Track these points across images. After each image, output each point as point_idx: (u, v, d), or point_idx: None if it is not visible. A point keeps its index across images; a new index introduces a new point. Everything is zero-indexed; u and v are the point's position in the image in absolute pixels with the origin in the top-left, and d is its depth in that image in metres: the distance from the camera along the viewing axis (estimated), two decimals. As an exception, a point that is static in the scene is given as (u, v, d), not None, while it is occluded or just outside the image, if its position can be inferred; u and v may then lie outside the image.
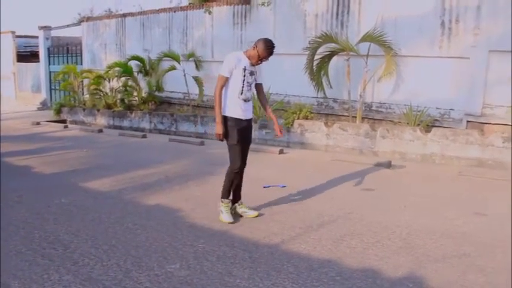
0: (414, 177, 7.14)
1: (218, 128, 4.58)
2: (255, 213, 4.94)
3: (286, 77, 10.49)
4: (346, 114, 9.80)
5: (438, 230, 4.57)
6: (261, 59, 4.59)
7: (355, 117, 9.41)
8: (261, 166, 7.51)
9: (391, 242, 4.23)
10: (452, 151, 7.96)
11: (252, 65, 4.64)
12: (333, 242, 4.20)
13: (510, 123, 7.85)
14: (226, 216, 4.77)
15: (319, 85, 9.82)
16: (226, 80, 4.60)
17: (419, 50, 9.00)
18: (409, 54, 9.10)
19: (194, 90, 12.39)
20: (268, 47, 4.53)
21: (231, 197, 4.86)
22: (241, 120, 4.66)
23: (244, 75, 4.60)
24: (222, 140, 4.69)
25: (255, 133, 10.11)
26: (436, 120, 8.83)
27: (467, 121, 8.44)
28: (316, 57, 9.71)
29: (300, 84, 10.16)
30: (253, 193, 5.69)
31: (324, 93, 9.89)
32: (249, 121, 4.78)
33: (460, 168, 7.52)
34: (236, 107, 4.63)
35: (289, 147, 9.68)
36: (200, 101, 12.33)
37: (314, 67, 9.73)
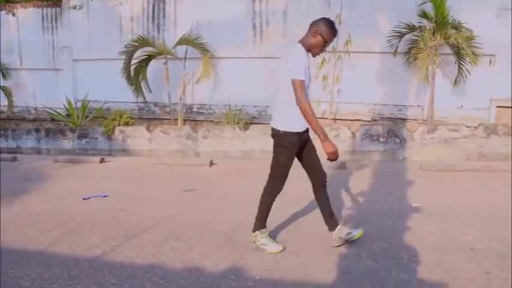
0: (235, 173, 7.48)
1: (330, 145, 3.56)
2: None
3: (104, 83, 10.29)
4: (168, 117, 9.95)
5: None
6: (326, 46, 3.74)
7: (177, 119, 9.61)
8: (80, 177, 7.19)
9: (214, 238, 4.31)
10: (270, 146, 8.42)
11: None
12: (156, 246, 4.15)
13: (320, 116, 8.77)
14: (274, 246, 3.94)
15: (138, 90, 9.83)
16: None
17: (234, 52, 9.56)
18: (225, 55, 9.62)
19: (3, 101, 11.48)
20: (333, 26, 3.68)
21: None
22: (303, 133, 3.79)
23: (310, 76, 3.78)
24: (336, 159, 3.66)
25: (74, 143, 9.73)
26: (255, 117, 9.45)
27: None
28: (133, 61, 9.72)
29: (119, 90, 10.05)
30: (73, 207, 5.44)
31: (144, 98, 9.94)
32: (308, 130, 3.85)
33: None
34: (299, 119, 3.62)
35: (111, 155, 9.47)
36: (10, 112, 11.45)
37: (132, 72, 9.72)
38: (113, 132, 9.56)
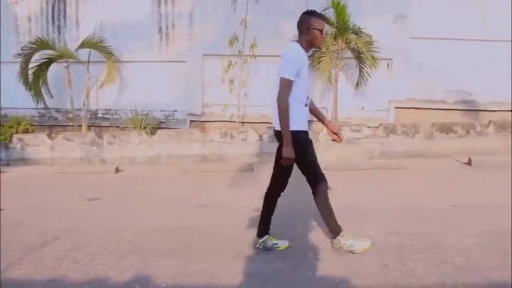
0: (142, 180, 7.34)
1: (289, 151, 3.51)
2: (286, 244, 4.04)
3: (-1, 88, 9.73)
4: (72, 123, 9.58)
5: (166, 227, 4.73)
6: (323, 34, 3.67)
7: (81, 126, 9.27)
8: (-29, 190, 6.73)
9: (118, 247, 4.18)
10: (178, 150, 8.50)
11: None
12: (57, 260, 3.92)
13: (227, 120, 8.88)
14: (361, 243, 3.83)
15: (38, 95, 9.37)
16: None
17: (140, 55, 9.41)
18: (130, 59, 9.44)
19: None
20: (317, 14, 3.65)
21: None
22: (307, 132, 3.74)
23: (308, 75, 3.71)
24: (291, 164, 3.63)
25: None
26: (162, 122, 9.34)
27: (190, 121, 9.18)
28: (32, 64, 9.26)
29: (16, 95, 9.54)
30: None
31: (45, 104, 9.50)
32: None
33: (185, 166, 8.06)
34: (302, 118, 3.66)
35: (9, 165, 8.93)
36: None
37: (30, 76, 9.25)
38: (10, 141, 9.03)
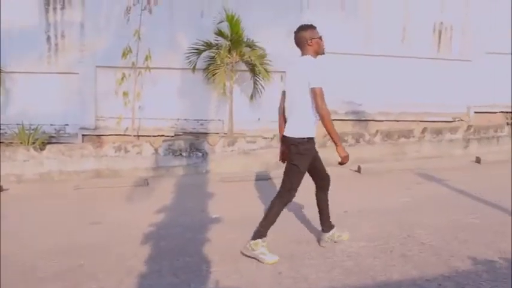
0: (30, 198, 6.97)
1: (344, 150, 3.92)
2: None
3: None
4: (-51, 140, 8.94)
5: (56, 248, 4.55)
6: (322, 40, 4.03)
7: (-40, 142, 8.68)
8: None
9: (3, 273, 3.91)
10: (70, 166, 8.19)
11: None
12: None
13: (122, 133, 8.71)
14: (271, 257, 4.00)
15: None
16: None
17: (27, 66, 8.99)
18: (17, 70, 8.99)
19: None
20: (310, 25, 4.05)
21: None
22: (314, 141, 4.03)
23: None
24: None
25: None
26: (52, 136, 8.97)
27: (83, 135, 8.90)
28: None
29: None
30: None
31: None
32: None
33: (77, 182, 7.79)
34: (312, 125, 3.94)
35: None
36: None
37: None
38: None
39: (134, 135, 8.78)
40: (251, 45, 8.78)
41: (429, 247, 4.32)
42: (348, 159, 3.95)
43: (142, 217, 5.52)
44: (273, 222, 4.05)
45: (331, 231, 4.37)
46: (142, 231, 4.91)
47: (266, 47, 8.80)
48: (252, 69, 8.81)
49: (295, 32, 4.04)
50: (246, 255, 4.05)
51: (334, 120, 9.05)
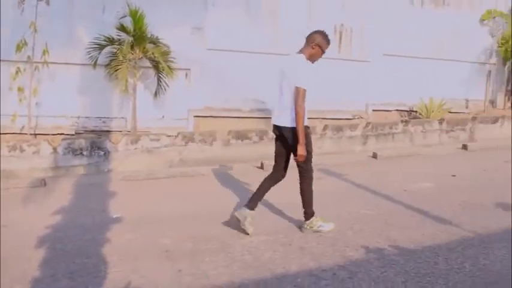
0: None
1: (304, 149, 4.32)
2: None
3: None
4: None
5: None
6: (322, 55, 4.55)
7: None
8: None
9: None
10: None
11: None
12: None
13: (18, 132, 8.31)
14: (328, 225, 4.75)
15: None
16: None
17: None
18: None
19: None
20: (328, 37, 4.54)
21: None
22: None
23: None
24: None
25: None
26: None
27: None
28: None
29: None
30: None
31: None
32: None
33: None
34: (306, 116, 4.38)
35: None
36: None
37: None
38: None
39: (31, 134, 8.39)
40: (155, 42, 8.70)
41: (326, 238, 4.59)
42: (303, 159, 4.35)
43: (38, 219, 5.30)
44: (311, 200, 4.66)
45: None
46: (38, 234, 4.73)
47: (170, 44, 8.76)
48: (156, 66, 8.74)
49: (313, 31, 4.54)
50: (307, 232, 4.68)
51: (237, 117, 9.40)
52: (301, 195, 4.67)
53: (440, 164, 8.65)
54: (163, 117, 9.25)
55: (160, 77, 8.84)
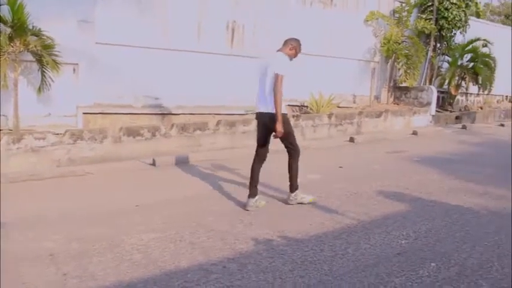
0: None
1: (281, 126, 5.11)
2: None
3: None
4: None
5: None
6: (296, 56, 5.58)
7: None
8: None
9: None
10: None
11: None
12: None
13: None
14: (308, 196, 5.72)
15: None
16: None
17: None
18: None
19: None
20: (300, 43, 5.59)
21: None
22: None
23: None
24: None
25: None
26: None
27: None
28: None
29: None
30: None
31: None
32: None
33: None
34: (283, 104, 5.21)
35: None
36: None
37: None
38: None
39: None
40: (37, 34, 8.24)
41: (216, 233, 4.67)
42: (281, 134, 5.15)
43: None
44: (297, 175, 5.52)
45: (257, 197, 5.47)
46: None
47: (55, 37, 8.35)
48: (40, 60, 8.30)
49: (291, 38, 5.53)
50: (292, 204, 5.59)
51: (129, 114, 9.23)
52: (289, 170, 5.48)
53: (329, 157, 9.13)
54: (49, 114, 8.81)
55: (44, 71, 8.39)
